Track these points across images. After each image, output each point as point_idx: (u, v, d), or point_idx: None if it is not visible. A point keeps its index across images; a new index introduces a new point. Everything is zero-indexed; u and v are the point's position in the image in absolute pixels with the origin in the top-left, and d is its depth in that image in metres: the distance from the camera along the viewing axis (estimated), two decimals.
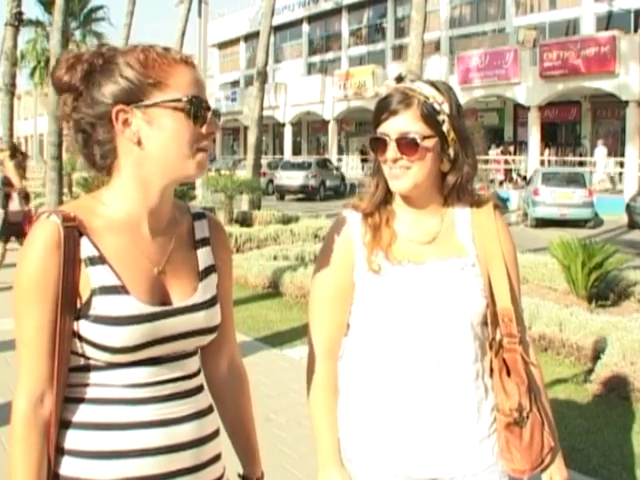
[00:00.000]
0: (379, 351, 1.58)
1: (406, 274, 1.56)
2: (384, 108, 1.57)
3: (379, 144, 1.57)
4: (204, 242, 1.41)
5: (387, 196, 1.64)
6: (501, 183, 25.03)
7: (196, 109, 1.25)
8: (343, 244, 1.61)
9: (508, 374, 1.57)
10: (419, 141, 1.53)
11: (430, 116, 1.54)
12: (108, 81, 1.25)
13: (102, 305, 1.22)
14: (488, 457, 1.59)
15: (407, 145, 1.53)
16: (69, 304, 1.21)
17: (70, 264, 1.21)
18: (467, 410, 1.57)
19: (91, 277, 1.23)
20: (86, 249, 1.24)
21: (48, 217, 1.23)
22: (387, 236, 1.60)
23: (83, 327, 1.22)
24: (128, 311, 1.22)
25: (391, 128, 1.55)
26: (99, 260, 1.24)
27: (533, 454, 1.55)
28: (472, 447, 1.58)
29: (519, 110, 29.52)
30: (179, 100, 1.24)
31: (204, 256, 1.39)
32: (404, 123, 1.54)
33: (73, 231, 1.22)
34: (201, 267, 1.38)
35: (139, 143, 1.25)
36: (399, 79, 1.60)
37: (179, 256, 1.35)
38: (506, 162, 27.55)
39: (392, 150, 1.54)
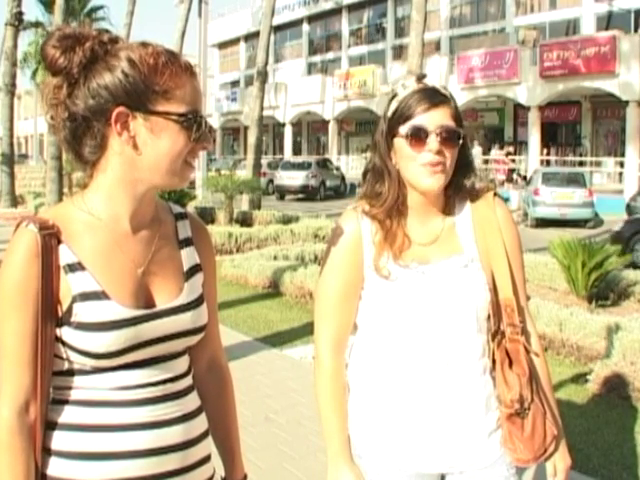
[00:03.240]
0: (388, 349, 1.59)
1: (413, 275, 1.57)
2: (423, 100, 1.55)
3: (416, 137, 1.54)
4: (187, 242, 1.40)
5: (397, 197, 1.62)
6: (503, 183, 25.02)
7: (197, 127, 1.24)
8: (351, 241, 1.61)
9: (510, 365, 1.58)
10: (460, 136, 1.55)
11: (458, 114, 1.57)
12: (111, 77, 1.20)
13: (83, 312, 1.21)
14: (496, 450, 1.61)
15: (449, 139, 1.53)
16: (50, 312, 1.20)
17: (49, 272, 1.20)
18: (475, 405, 1.58)
19: (71, 284, 1.21)
20: (65, 256, 1.22)
21: (26, 226, 1.20)
22: (396, 240, 1.60)
23: (66, 334, 1.21)
24: (110, 316, 1.21)
25: (432, 120, 1.53)
26: (78, 266, 1.22)
27: (535, 444, 1.57)
28: (481, 441, 1.59)
29: (519, 110, 29.52)
30: (184, 115, 1.23)
31: (188, 256, 1.38)
32: (444, 117, 1.54)
33: (51, 239, 1.21)
34: (186, 267, 1.36)
35: (135, 147, 1.23)
36: (421, 78, 1.60)
37: (163, 256, 1.33)
38: (505, 162, 27.55)
39: (434, 142, 1.52)
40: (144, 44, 1.24)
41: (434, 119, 1.53)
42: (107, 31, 1.27)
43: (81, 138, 1.24)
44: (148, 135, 1.22)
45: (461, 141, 1.56)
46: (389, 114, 1.59)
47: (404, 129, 1.55)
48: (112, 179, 1.26)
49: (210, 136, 1.29)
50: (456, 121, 1.56)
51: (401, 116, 1.56)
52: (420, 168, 1.54)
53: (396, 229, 1.60)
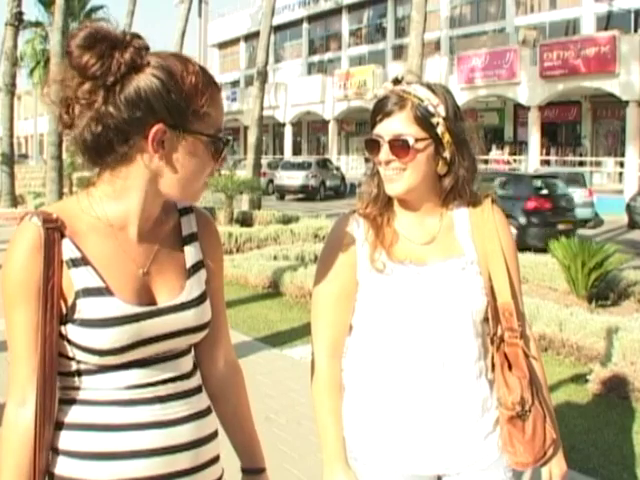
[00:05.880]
0: (384, 350, 1.59)
1: (408, 274, 1.57)
2: (379, 110, 1.58)
3: (374, 146, 1.58)
4: (192, 238, 1.38)
5: (387, 197, 1.64)
6: None
7: (222, 148, 1.25)
8: (345, 243, 1.61)
9: (509, 368, 1.58)
10: (411, 143, 1.53)
11: (424, 118, 1.54)
12: (152, 91, 1.17)
13: (87, 308, 1.20)
14: (493, 452, 1.61)
15: (399, 147, 1.54)
16: (53, 307, 1.19)
17: (51, 266, 1.19)
18: (471, 407, 1.58)
19: (74, 279, 1.21)
20: (68, 251, 1.21)
21: (30, 219, 1.20)
22: (389, 236, 1.61)
23: (71, 331, 1.21)
24: (113, 312, 1.20)
25: (385, 130, 1.56)
26: (82, 262, 1.22)
27: (536, 447, 1.57)
28: (477, 442, 1.59)
29: (519, 110, 29.53)
30: (217, 137, 1.23)
31: (192, 252, 1.36)
32: (397, 125, 1.54)
33: (54, 233, 1.20)
34: (188, 264, 1.35)
35: (167, 164, 1.22)
36: (396, 81, 1.61)
37: (165, 255, 1.32)
38: (508, 162, 27.54)
39: (385, 152, 1.55)
40: (181, 58, 1.22)
41: (386, 129, 1.56)
42: (139, 36, 1.22)
43: (107, 144, 1.20)
44: (181, 154, 1.21)
45: (418, 144, 1.53)
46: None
47: (362, 141, 1.62)
48: (130, 188, 1.24)
49: (227, 155, 1.31)
50: (420, 124, 1.54)
51: (370, 124, 1.61)
52: (382, 173, 1.59)
53: (386, 225, 1.62)
